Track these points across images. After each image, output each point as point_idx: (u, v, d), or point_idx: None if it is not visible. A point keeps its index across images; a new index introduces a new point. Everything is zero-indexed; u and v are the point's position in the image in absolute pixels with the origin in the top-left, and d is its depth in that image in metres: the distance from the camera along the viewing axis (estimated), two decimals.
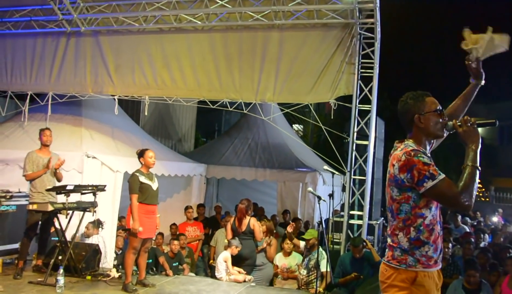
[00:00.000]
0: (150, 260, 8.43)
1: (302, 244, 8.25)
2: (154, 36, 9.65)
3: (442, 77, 34.72)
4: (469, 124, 3.12)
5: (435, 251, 3.14)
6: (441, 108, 3.27)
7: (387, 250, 3.30)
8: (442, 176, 2.99)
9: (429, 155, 3.16)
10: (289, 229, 8.12)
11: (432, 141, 3.35)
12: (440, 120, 3.24)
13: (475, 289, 7.10)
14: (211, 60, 9.25)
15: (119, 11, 9.57)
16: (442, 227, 3.26)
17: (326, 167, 8.98)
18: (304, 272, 7.92)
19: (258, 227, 8.37)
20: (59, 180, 8.03)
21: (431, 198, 3.08)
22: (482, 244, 10.56)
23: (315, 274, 7.71)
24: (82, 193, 7.66)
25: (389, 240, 3.27)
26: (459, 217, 13.34)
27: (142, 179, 7.20)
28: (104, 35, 9.86)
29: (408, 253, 3.11)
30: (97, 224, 8.37)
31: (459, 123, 3.14)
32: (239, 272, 8.51)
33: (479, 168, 3.05)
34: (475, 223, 14.18)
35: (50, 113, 9.88)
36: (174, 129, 17.38)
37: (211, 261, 9.62)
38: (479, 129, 3.18)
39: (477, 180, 3.02)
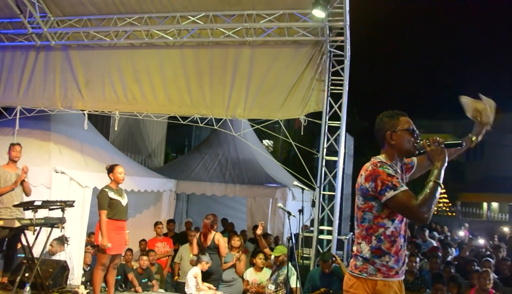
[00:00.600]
0: (119, 277, 8.34)
1: (272, 257, 8.27)
2: (125, 51, 9.63)
3: (410, 94, 35.33)
4: (437, 144, 3.27)
5: (396, 263, 3.26)
6: (413, 128, 3.41)
7: (351, 259, 3.42)
8: (404, 188, 3.12)
9: (396, 169, 3.29)
10: (258, 231, 8.12)
11: (404, 158, 3.50)
12: (412, 138, 3.37)
13: None
14: (182, 76, 9.26)
15: (90, 26, 9.55)
16: (405, 241, 3.38)
17: (296, 182, 9.04)
18: (272, 287, 7.93)
19: (222, 242, 8.35)
20: (27, 193, 7.91)
21: (392, 208, 3.19)
22: (449, 258, 10.72)
23: (283, 290, 7.74)
24: (50, 209, 7.52)
25: (354, 248, 3.41)
26: (427, 232, 13.51)
27: (111, 194, 7.15)
28: (74, 49, 9.80)
29: (369, 262, 3.24)
30: (63, 240, 8.24)
31: (428, 143, 3.29)
32: (209, 287, 8.48)
33: (441, 185, 3.16)
34: (442, 238, 14.37)
35: (18, 128, 9.73)
36: (144, 144, 17.27)
37: (176, 277, 9.58)
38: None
39: (437, 196, 3.15)
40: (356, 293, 3.25)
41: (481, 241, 12.71)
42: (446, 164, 3.24)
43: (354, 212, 3.42)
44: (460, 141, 3.44)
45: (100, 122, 13.91)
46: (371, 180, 3.21)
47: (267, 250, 8.40)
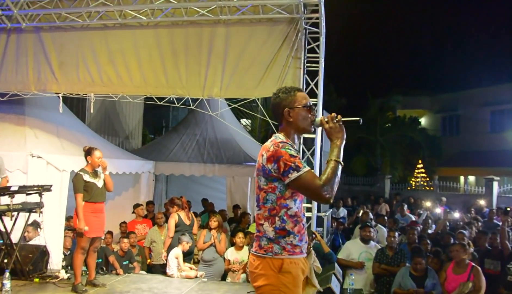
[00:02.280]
0: (100, 260, 8.34)
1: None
2: (98, 32, 9.46)
3: (386, 69, 35.50)
4: (335, 121, 3.26)
5: (299, 241, 3.28)
6: (310, 103, 3.41)
7: (254, 241, 3.40)
8: (307, 168, 3.13)
9: (296, 148, 3.30)
10: None
11: (301, 135, 3.53)
12: (309, 115, 3.37)
13: (421, 275, 7.33)
14: (157, 56, 9.15)
15: (61, 7, 9.34)
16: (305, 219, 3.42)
17: None
18: None
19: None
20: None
21: (295, 189, 3.21)
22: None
23: None
24: (27, 194, 7.47)
25: (256, 229, 3.38)
26: (405, 207, 13.68)
27: (86, 177, 7.11)
28: (47, 31, 9.60)
29: (274, 242, 3.23)
30: (36, 225, 8.18)
31: (326, 120, 3.29)
32: (191, 268, 8.53)
33: (342, 163, 3.18)
34: (421, 212, 14.57)
35: None
36: (121, 126, 17.15)
37: (148, 260, 9.54)
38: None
39: (339, 174, 3.16)
40: (262, 273, 3.23)
41: (457, 215, 12.87)
42: (344, 142, 3.24)
43: (255, 191, 3.40)
44: (358, 119, 3.36)
45: (76, 105, 13.79)
46: (273, 161, 3.19)
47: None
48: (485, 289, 6.81)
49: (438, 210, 14.55)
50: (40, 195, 7.46)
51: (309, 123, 3.37)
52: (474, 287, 6.80)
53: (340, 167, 3.15)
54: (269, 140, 3.34)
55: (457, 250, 7.19)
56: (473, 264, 7.06)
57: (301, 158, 3.22)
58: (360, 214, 11.61)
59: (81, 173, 7.16)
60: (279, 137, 3.31)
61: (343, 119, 3.27)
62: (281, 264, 3.19)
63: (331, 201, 3.23)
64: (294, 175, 3.11)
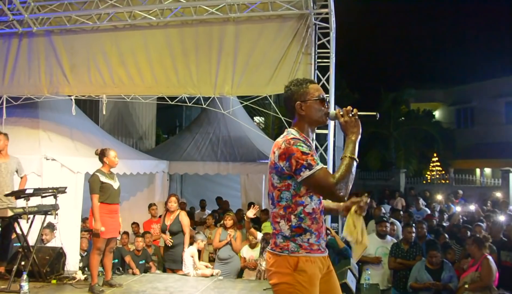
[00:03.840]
0: (116, 260, 8.39)
1: (259, 235, 8.30)
2: (108, 34, 9.50)
3: (399, 63, 35.30)
4: (350, 115, 3.16)
5: (317, 239, 3.20)
6: (323, 95, 3.30)
7: (271, 238, 3.33)
8: (320, 166, 3.03)
9: (309, 143, 3.17)
10: (250, 214, 8.14)
11: (315, 128, 3.40)
12: (322, 108, 3.26)
13: (437, 269, 7.29)
14: (167, 56, 9.17)
15: (71, 10, 9.39)
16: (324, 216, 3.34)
17: None
18: (264, 264, 7.98)
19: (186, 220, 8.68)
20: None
21: (308, 187, 3.12)
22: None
23: None
24: (43, 197, 7.52)
25: (271, 227, 3.31)
26: (421, 200, 13.61)
27: (103, 178, 7.14)
28: (57, 34, 9.66)
29: (290, 240, 3.15)
30: (51, 227, 8.25)
31: (341, 113, 3.18)
32: (206, 266, 8.55)
33: (357, 159, 3.08)
34: (435, 205, 14.48)
35: (5, 117, 9.67)
36: (134, 127, 17.23)
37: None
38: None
39: (354, 171, 3.06)
40: (278, 271, 3.16)
41: (472, 207, 12.75)
42: (360, 137, 3.15)
43: (268, 189, 3.33)
44: (375, 114, 3.26)
45: (89, 107, 13.86)
46: (285, 159, 3.09)
47: (253, 230, 8.42)
48: (494, 278, 6.72)
49: (458, 208, 14.43)
50: (55, 197, 7.51)
51: (322, 115, 3.26)
52: (480, 277, 6.75)
53: (355, 163, 3.05)
54: (281, 136, 3.25)
55: (473, 250, 7.14)
56: (486, 255, 6.97)
57: (315, 154, 3.11)
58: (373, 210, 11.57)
59: (97, 173, 7.19)
60: (291, 132, 3.21)
61: (359, 113, 3.17)
62: (296, 262, 3.11)
63: (346, 199, 3.12)
64: (306, 173, 3.02)
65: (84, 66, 9.50)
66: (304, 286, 3.09)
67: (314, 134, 3.42)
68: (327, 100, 3.29)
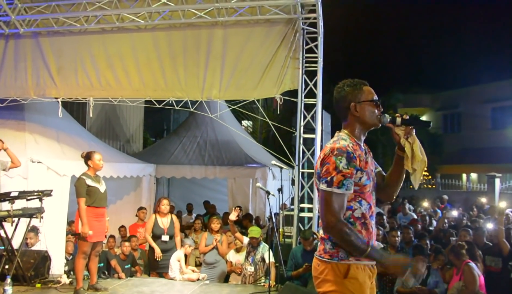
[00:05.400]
0: (102, 264, 8.33)
1: (245, 240, 8.29)
2: (96, 36, 9.48)
3: (386, 68, 35.46)
4: (400, 121, 3.15)
5: (367, 245, 3.06)
6: (377, 98, 3.23)
7: (319, 244, 3.26)
8: (339, 190, 2.97)
9: (357, 154, 3.07)
10: (232, 217, 8.14)
11: (367, 131, 3.28)
12: (376, 110, 3.19)
13: (423, 274, 7.30)
14: (155, 59, 9.16)
15: (59, 12, 9.34)
16: (375, 221, 3.25)
17: (274, 161, 9.06)
18: (251, 269, 7.97)
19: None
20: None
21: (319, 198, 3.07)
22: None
23: (262, 269, 7.84)
24: (28, 199, 7.47)
25: (321, 232, 3.23)
26: (407, 205, 13.65)
27: (89, 182, 7.10)
28: (45, 36, 9.62)
29: (340, 246, 3.05)
30: (35, 231, 8.18)
31: (398, 120, 3.16)
32: (193, 271, 8.53)
33: (366, 258, 3.01)
34: (422, 210, 14.55)
35: None
36: (121, 130, 17.16)
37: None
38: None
39: (350, 248, 3.00)
40: (327, 279, 3.07)
41: (454, 213, 12.78)
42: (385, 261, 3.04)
43: (318, 193, 3.21)
44: (429, 121, 3.32)
45: (76, 109, 13.80)
46: (322, 165, 3.05)
47: (238, 235, 8.42)
48: (478, 283, 6.74)
49: (439, 209, 14.50)
50: (41, 200, 7.45)
51: (375, 118, 3.18)
52: (465, 286, 6.76)
53: (358, 252, 2.98)
54: (331, 141, 3.18)
55: (452, 259, 7.19)
56: (467, 261, 6.98)
57: (352, 173, 3.00)
58: None
59: (83, 177, 7.15)
60: (341, 138, 3.14)
61: (412, 118, 3.17)
62: (347, 269, 3.03)
63: (329, 234, 3.07)
64: (322, 186, 3.00)
65: (71, 68, 9.47)
66: None
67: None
68: (380, 103, 3.20)
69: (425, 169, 3.30)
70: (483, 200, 17.10)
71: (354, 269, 3.04)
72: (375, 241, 3.24)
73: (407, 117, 3.17)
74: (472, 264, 6.93)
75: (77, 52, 9.46)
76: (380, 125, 3.23)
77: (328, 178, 2.97)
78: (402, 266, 3.03)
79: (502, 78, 27.16)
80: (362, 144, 3.22)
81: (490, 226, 9.25)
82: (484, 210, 14.10)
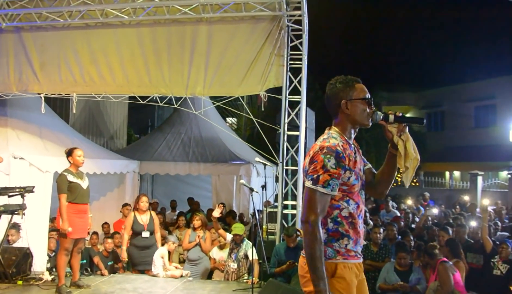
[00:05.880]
0: (84, 261, 8.30)
1: (229, 236, 8.29)
2: (80, 32, 9.40)
3: (371, 66, 35.60)
4: (394, 118, 3.12)
5: (354, 245, 3.10)
6: (370, 96, 3.18)
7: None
8: (324, 190, 2.92)
9: (346, 153, 3.03)
10: (215, 214, 8.15)
11: (357, 129, 3.22)
12: (367, 109, 3.14)
13: (406, 270, 7.35)
14: (139, 55, 9.13)
15: (42, 6, 9.23)
16: (363, 220, 3.22)
17: (258, 158, 9.07)
18: (234, 265, 7.98)
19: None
20: None
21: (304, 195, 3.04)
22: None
23: (245, 266, 7.85)
24: (9, 196, 7.41)
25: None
26: (390, 203, 13.73)
27: (71, 178, 7.06)
28: (27, 31, 9.53)
29: (327, 245, 3.03)
30: (17, 228, 8.11)
31: (391, 117, 3.13)
32: (176, 267, 8.51)
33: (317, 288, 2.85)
34: (405, 207, 14.65)
35: None
36: (105, 126, 17.06)
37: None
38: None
39: (307, 255, 2.91)
40: None
41: (435, 210, 12.87)
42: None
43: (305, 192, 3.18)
44: (422, 118, 3.28)
45: (59, 105, 13.69)
46: (310, 162, 3.00)
47: (221, 231, 8.42)
48: (452, 281, 6.78)
49: (422, 207, 14.60)
50: (23, 196, 7.40)
51: (366, 116, 3.13)
52: (440, 286, 6.81)
53: (312, 274, 2.86)
54: (321, 138, 3.12)
55: (427, 260, 7.26)
56: (442, 260, 7.02)
57: (339, 173, 2.95)
58: None
59: (65, 173, 7.10)
60: (332, 136, 3.09)
61: (405, 115, 3.13)
62: (334, 268, 3.02)
63: (305, 231, 2.96)
64: (307, 183, 2.96)
65: (54, 64, 9.40)
66: (342, 293, 3.00)
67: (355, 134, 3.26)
68: (372, 101, 3.15)
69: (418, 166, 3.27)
70: (466, 198, 17.24)
71: (342, 268, 3.03)
72: (362, 240, 3.22)
73: (400, 114, 3.14)
74: (447, 263, 6.98)
75: (60, 47, 9.39)
76: (371, 124, 3.19)
77: (315, 176, 2.94)
78: None
79: (485, 77, 27.38)
80: (352, 142, 3.19)
81: (473, 223, 9.33)
82: (467, 208, 14.23)
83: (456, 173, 29.53)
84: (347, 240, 3.07)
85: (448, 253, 7.45)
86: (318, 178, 2.93)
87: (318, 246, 2.87)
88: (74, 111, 10.31)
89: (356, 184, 3.10)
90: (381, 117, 3.15)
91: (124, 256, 8.25)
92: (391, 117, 3.13)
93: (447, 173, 29.56)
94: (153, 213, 8.72)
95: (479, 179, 19.63)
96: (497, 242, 8.00)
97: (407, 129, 3.19)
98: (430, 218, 11.30)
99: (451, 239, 7.85)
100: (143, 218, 8.43)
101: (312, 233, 2.89)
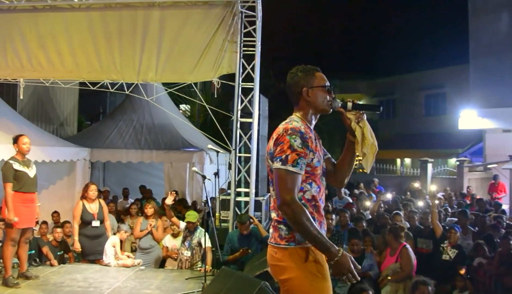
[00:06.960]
0: (33, 251, 8.08)
1: (182, 224, 8.23)
2: (27, 15, 9.12)
3: (324, 54, 35.86)
4: (352, 105, 3.22)
5: (320, 228, 3.06)
6: (329, 84, 3.28)
7: (271, 230, 3.22)
8: (294, 169, 2.94)
9: (309, 136, 3.07)
10: (168, 201, 8.07)
11: (318, 116, 3.32)
12: (327, 96, 3.25)
13: (358, 256, 7.43)
14: (89, 40, 8.92)
15: None
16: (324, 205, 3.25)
17: (210, 146, 9.03)
18: (188, 253, 7.93)
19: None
20: None
21: (273, 178, 3.05)
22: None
23: (199, 254, 7.82)
24: None
25: (273, 214, 3.20)
26: (343, 190, 13.88)
27: (17, 166, 6.85)
28: None
29: (294, 230, 3.03)
30: None
31: (350, 105, 3.22)
32: (128, 256, 8.40)
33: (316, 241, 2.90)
34: (358, 193, 14.85)
35: None
36: (55, 112, 16.64)
37: None
38: None
39: (300, 229, 2.93)
40: (287, 266, 3.04)
41: (388, 196, 13.12)
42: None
43: (269, 175, 3.24)
44: (379, 105, 3.46)
45: (6, 91, 13.26)
46: (276, 144, 3.04)
47: (174, 219, 8.34)
48: (413, 266, 6.94)
49: (368, 203, 14.81)
50: None
51: (327, 103, 3.24)
52: (401, 268, 6.95)
53: (312, 239, 2.90)
54: (283, 123, 3.16)
55: (390, 240, 7.34)
56: (404, 244, 7.18)
57: (305, 153, 2.99)
58: None
59: (11, 161, 6.89)
60: (294, 120, 3.15)
61: (362, 103, 3.22)
62: (306, 253, 3.02)
63: (283, 211, 2.96)
64: (276, 165, 2.97)
65: (0, 48, 9.09)
66: (318, 275, 3.02)
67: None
68: (331, 89, 3.26)
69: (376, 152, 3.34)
70: (416, 184, 17.60)
71: (313, 251, 3.03)
72: (325, 223, 3.25)
73: (358, 102, 3.24)
74: (409, 247, 7.12)
75: (6, 31, 9.11)
76: (331, 110, 3.28)
77: (283, 156, 2.96)
78: (345, 271, 2.89)
79: (436, 66, 27.95)
80: (312, 129, 3.24)
81: (421, 205, 9.49)
82: (416, 194, 14.53)
83: (407, 160, 30.14)
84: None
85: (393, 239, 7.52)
86: (287, 158, 2.96)
87: (305, 220, 2.89)
88: (22, 97, 10.05)
89: (318, 166, 3.16)
90: (340, 104, 3.26)
91: (77, 246, 8.08)
92: (349, 105, 3.24)
93: (398, 160, 30.12)
94: (102, 201, 8.57)
95: (429, 166, 20.08)
96: (447, 228, 8.17)
97: (365, 116, 3.27)
98: (382, 205, 11.47)
99: (393, 226, 7.93)
100: (92, 207, 8.27)
101: (294, 211, 2.90)
